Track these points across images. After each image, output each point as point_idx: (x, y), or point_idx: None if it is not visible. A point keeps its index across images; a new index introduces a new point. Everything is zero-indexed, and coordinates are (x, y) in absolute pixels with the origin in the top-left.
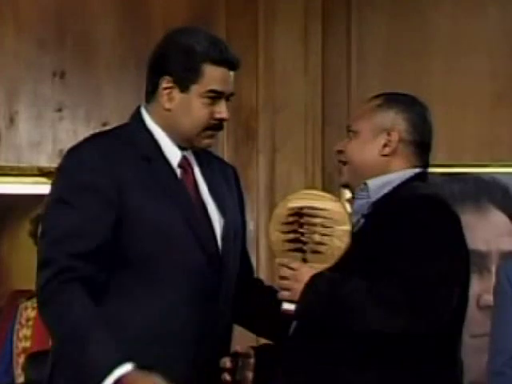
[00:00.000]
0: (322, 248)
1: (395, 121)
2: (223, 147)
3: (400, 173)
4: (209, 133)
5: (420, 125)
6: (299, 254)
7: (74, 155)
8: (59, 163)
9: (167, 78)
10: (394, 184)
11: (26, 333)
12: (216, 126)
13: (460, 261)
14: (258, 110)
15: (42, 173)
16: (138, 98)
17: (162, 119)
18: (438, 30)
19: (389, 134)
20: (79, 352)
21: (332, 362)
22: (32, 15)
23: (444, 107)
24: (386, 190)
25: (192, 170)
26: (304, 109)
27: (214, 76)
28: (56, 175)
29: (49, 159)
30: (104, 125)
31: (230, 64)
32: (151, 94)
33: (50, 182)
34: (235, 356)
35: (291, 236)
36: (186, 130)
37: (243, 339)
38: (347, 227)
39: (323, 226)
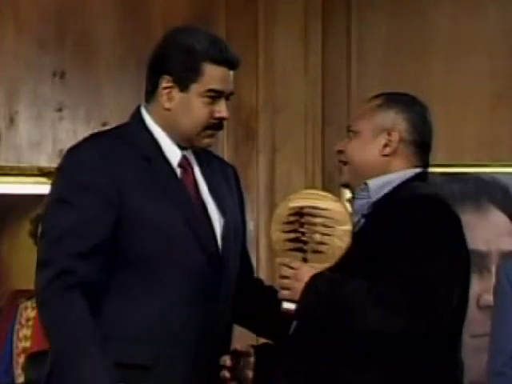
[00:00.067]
0: (322, 248)
1: (395, 121)
2: (223, 147)
3: (400, 173)
4: (209, 132)
5: (420, 125)
6: (300, 254)
7: (73, 155)
8: (59, 163)
9: (167, 77)
10: (395, 184)
11: (26, 333)
12: (216, 125)
13: (460, 261)
14: (258, 110)
15: (42, 173)
16: (138, 98)
17: (162, 119)
18: (437, 30)
19: (389, 134)
20: (71, 366)
21: (332, 362)
22: (32, 15)
23: (444, 107)
24: (386, 190)
25: (192, 169)
26: (304, 109)
27: (213, 75)
28: (56, 175)
29: (49, 159)
30: (104, 125)
31: (230, 63)
32: (151, 93)
33: (50, 182)
34: (235, 354)
35: (292, 235)
36: (186, 130)
37: (243, 339)
38: (348, 227)
39: (324, 226)
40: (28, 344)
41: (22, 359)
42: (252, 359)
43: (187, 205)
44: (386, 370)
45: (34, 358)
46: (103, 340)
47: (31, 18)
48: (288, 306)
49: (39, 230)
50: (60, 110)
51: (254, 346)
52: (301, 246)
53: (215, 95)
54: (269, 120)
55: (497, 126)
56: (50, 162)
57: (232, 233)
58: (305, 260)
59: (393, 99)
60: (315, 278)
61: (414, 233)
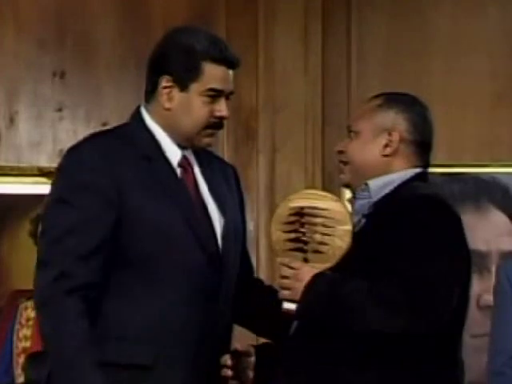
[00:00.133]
0: (323, 248)
1: (396, 121)
2: (223, 147)
3: (401, 173)
4: (209, 131)
5: (420, 124)
6: (300, 254)
7: (73, 155)
8: (59, 163)
9: (167, 77)
10: (395, 184)
11: (26, 333)
12: (216, 124)
13: (460, 261)
14: (258, 110)
15: (42, 173)
16: (138, 98)
17: (162, 119)
18: (437, 30)
19: (390, 134)
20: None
21: (332, 362)
22: (32, 15)
23: (444, 107)
24: (386, 190)
25: (192, 169)
26: (304, 109)
27: (213, 74)
28: (56, 175)
29: (49, 159)
30: (104, 125)
31: (230, 63)
32: (151, 93)
33: (50, 182)
34: (235, 354)
35: (292, 236)
36: (186, 129)
37: (243, 339)
38: (348, 227)
39: (324, 226)
40: (28, 344)
41: (22, 359)
42: (252, 359)
43: (187, 204)
44: (385, 370)
45: (34, 358)
46: (103, 340)
47: (31, 18)
48: (288, 306)
49: (39, 229)
50: (60, 110)
51: (254, 346)
52: (301, 246)
53: (215, 94)
54: (269, 120)
55: (497, 126)
56: (50, 162)
57: (232, 233)
58: (305, 260)
59: (393, 99)
60: (316, 278)
61: (414, 233)
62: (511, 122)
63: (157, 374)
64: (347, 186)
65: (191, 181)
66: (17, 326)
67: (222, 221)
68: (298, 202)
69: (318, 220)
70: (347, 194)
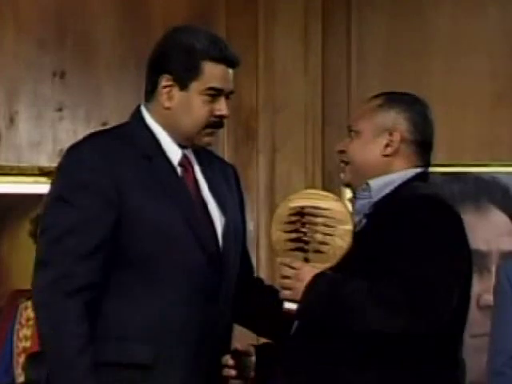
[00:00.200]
0: (324, 248)
1: (397, 121)
2: (223, 147)
3: (401, 173)
4: (209, 131)
5: (421, 124)
6: (301, 254)
7: (73, 154)
8: (59, 162)
9: (167, 76)
10: (396, 184)
11: (27, 333)
12: (216, 123)
13: (461, 261)
14: (258, 110)
15: (42, 172)
16: (138, 98)
17: (162, 118)
18: (437, 30)
19: (390, 134)
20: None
21: (332, 362)
22: (32, 15)
23: (444, 107)
24: (387, 190)
25: (192, 168)
26: (304, 109)
27: (213, 73)
28: (56, 174)
29: (49, 159)
30: (104, 125)
31: (230, 62)
32: (151, 92)
33: (50, 181)
34: (236, 354)
35: (293, 235)
36: (186, 128)
37: (243, 338)
38: (349, 227)
39: (325, 226)
40: (28, 344)
41: (22, 359)
42: (253, 359)
43: (188, 204)
44: (385, 370)
45: (34, 358)
46: (103, 340)
47: (31, 18)
48: (289, 306)
49: (39, 229)
50: (60, 109)
51: (254, 346)
52: (302, 245)
53: (215, 93)
54: (269, 120)
55: (497, 125)
56: (50, 161)
57: (232, 232)
58: (306, 260)
59: (393, 99)
60: (317, 278)
61: (414, 233)
62: (511, 122)
63: (157, 374)
64: (348, 185)
65: (191, 180)
66: (17, 326)
67: (223, 220)
68: (298, 201)
69: (319, 220)
70: (347, 193)
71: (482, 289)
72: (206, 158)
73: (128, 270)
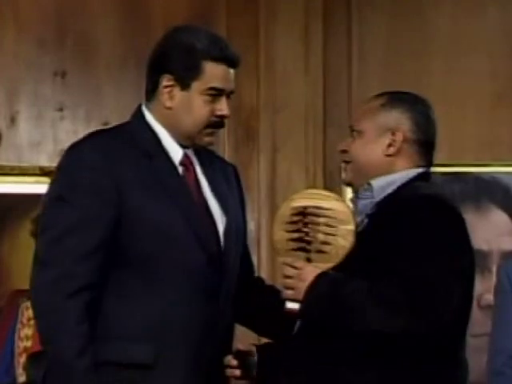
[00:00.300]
0: (326, 247)
1: (399, 120)
2: (224, 147)
3: (403, 173)
4: (210, 130)
5: (424, 124)
6: (303, 254)
7: (73, 153)
8: (59, 161)
9: (168, 76)
10: (398, 184)
11: (28, 332)
12: (217, 123)
13: (462, 261)
14: (259, 110)
15: (43, 172)
16: (139, 98)
17: (163, 117)
18: (437, 30)
19: (393, 134)
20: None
21: (332, 362)
22: (32, 15)
23: (444, 107)
24: (389, 190)
25: (194, 168)
26: (304, 108)
27: (214, 73)
28: (56, 173)
29: (49, 159)
30: (104, 125)
31: (231, 61)
32: (151, 92)
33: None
34: (238, 354)
35: (295, 235)
36: (187, 128)
37: (245, 338)
38: (351, 226)
39: (327, 226)
40: (29, 344)
41: (23, 359)
42: (255, 359)
43: (188, 203)
44: (385, 370)
45: (35, 358)
46: (104, 340)
47: (31, 18)
48: (291, 305)
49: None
50: (60, 109)
51: (255, 346)
52: (304, 245)
53: (216, 93)
54: (269, 120)
55: (497, 125)
56: (51, 161)
57: (234, 232)
58: (308, 260)
59: (396, 98)
60: (319, 278)
61: (414, 233)
62: (511, 122)
63: (157, 374)
64: (349, 184)
65: (193, 179)
66: (18, 326)
67: (224, 220)
68: (300, 201)
69: (321, 220)
70: (348, 193)
71: (483, 288)
72: (207, 158)
73: (128, 270)
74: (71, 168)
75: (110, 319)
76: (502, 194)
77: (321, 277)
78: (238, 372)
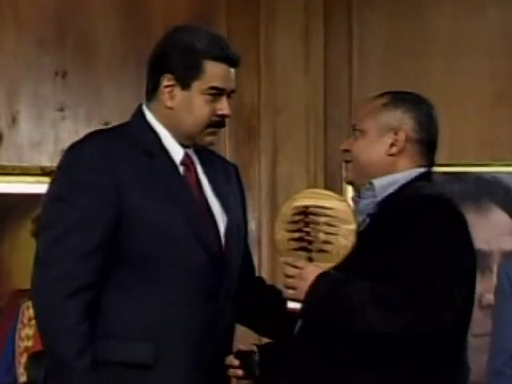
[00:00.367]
0: (327, 247)
1: (402, 120)
2: (225, 147)
3: (405, 172)
4: (211, 130)
5: (426, 123)
6: (304, 253)
7: (74, 153)
8: (60, 160)
9: (168, 75)
10: (400, 184)
11: (28, 332)
12: (218, 122)
13: (463, 261)
14: (259, 110)
15: (44, 172)
16: (139, 98)
17: (164, 117)
18: (437, 30)
19: (396, 134)
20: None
21: (332, 362)
22: (32, 15)
23: (444, 107)
24: (391, 190)
25: (195, 167)
26: (305, 108)
27: (214, 73)
28: (56, 173)
29: (50, 159)
30: (105, 125)
31: (231, 61)
32: (152, 92)
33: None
34: (239, 354)
35: (297, 235)
36: (188, 128)
37: (246, 338)
38: (353, 226)
39: (329, 225)
40: (30, 343)
41: (24, 358)
42: (256, 358)
43: (189, 203)
44: (386, 370)
45: (36, 358)
46: (104, 339)
47: (31, 18)
48: (293, 305)
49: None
50: (61, 109)
51: (256, 346)
52: (305, 245)
53: (217, 93)
54: (270, 120)
55: (497, 125)
56: (52, 161)
57: (235, 232)
58: (310, 259)
59: (399, 98)
60: (320, 278)
61: (415, 232)
62: (511, 122)
63: (157, 374)
64: (350, 183)
65: (194, 179)
66: (18, 326)
67: (225, 219)
68: (302, 201)
69: (323, 219)
70: (349, 193)
71: (484, 288)
72: (208, 158)
73: (128, 270)
74: (71, 168)
75: (110, 319)
76: (502, 193)
77: (322, 276)
78: (240, 372)
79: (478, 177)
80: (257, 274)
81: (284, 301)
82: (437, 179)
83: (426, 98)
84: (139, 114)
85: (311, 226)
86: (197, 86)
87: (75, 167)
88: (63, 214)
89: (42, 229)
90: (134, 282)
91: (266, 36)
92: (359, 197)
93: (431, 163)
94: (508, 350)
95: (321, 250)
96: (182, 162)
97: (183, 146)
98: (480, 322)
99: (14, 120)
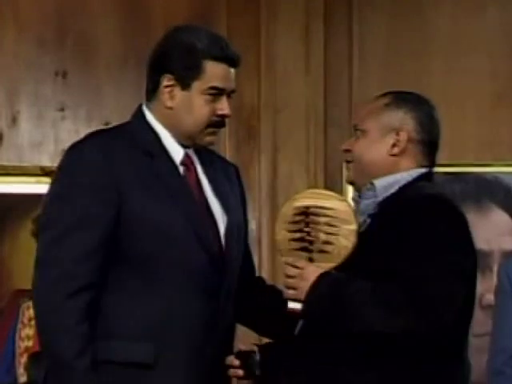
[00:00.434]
0: (328, 247)
1: (404, 120)
2: (225, 147)
3: (406, 173)
4: (211, 130)
5: (428, 124)
6: (305, 254)
7: (74, 153)
8: (60, 160)
9: (168, 76)
10: (401, 184)
11: (29, 332)
12: (218, 122)
13: (464, 261)
14: (260, 110)
15: (44, 172)
16: (139, 98)
17: (164, 117)
18: (437, 30)
19: (397, 134)
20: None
21: (332, 362)
22: (32, 15)
23: (444, 107)
24: (392, 190)
25: (195, 167)
26: (305, 108)
27: (214, 72)
28: (56, 173)
29: (50, 159)
30: (105, 125)
31: (231, 60)
32: (152, 92)
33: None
34: (240, 354)
35: (297, 235)
36: (188, 128)
37: (246, 338)
38: (353, 226)
39: (329, 225)
40: (31, 343)
41: (24, 359)
42: (257, 358)
43: (189, 203)
44: (386, 370)
45: (36, 358)
46: (104, 339)
47: (31, 18)
48: (294, 305)
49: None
50: (62, 109)
51: (257, 346)
52: (306, 245)
53: (217, 93)
54: (270, 120)
55: (497, 125)
56: (52, 161)
57: (235, 231)
58: (310, 260)
59: (400, 98)
60: (321, 278)
61: (415, 233)
62: (511, 122)
63: (158, 373)
64: (351, 183)
65: (194, 179)
66: (19, 326)
67: (225, 219)
68: (303, 201)
69: (323, 219)
70: (350, 193)
71: (485, 288)
72: (208, 158)
73: (128, 270)
74: (71, 168)
75: (110, 319)
76: (502, 193)
77: (323, 277)
78: (240, 372)
79: (478, 177)
80: (257, 274)
81: (285, 301)
82: (438, 179)
83: (427, 99)
84: (139, 114)
85: (312, 226)
86: (197, 85)
87: (76, 167)
88: (63, 213)
89: (42, 229)
90: (134, 282)
91: (266, 36)
92: (360, 197)
93: (432, 163)
94: (508, 349)
95: (321, 251)
96: (182, 162)
97: (183, 146)
98: (480, 322)
99: (14, 120)
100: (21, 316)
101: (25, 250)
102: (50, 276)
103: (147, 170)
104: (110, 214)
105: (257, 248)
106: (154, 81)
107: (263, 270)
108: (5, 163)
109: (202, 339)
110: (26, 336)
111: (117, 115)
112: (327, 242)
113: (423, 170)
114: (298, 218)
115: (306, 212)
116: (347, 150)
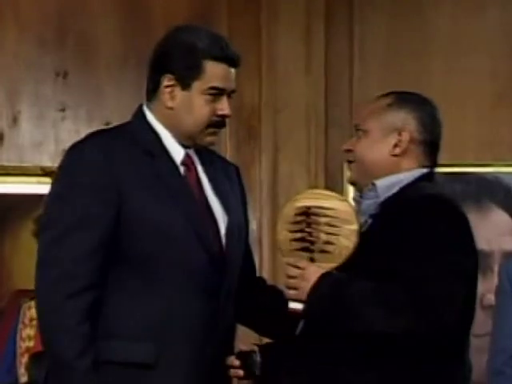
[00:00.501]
0: (329, 247)
1: (406, 120)
2: (225, 147)
3: (408, 173)
4: (211, 130)
5: (430, 124)
6: (306, 254)
7: (74, 153)
8: (61, 160)
9: (169, 76)
10: (402, 184)
11: (30, 332)
12: (218, 122)
13: (465, 261)
14: (260, 110)
15: (44, 173)
16: (139, 98)
17: (165, 117)
18: (437, 30)
19: (399, 134)
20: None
21: (332, 362)
22: (32, 15)
23: (444, 107)
24: (393, 190)
25: (195, 168)
26: (306, 108)
27: (215, 73)
28: (57, 173)
29: (51, 159)
30: (106, 125)
31: (231, 60)
32: (152, 92)
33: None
34: (240, 354)
35: (299, 235)
36: (188, 128)
37: (247, 338)
38: (355, 226)
39: (331, 226)
40: (32, 344)
41: (25, 359)
42: (258, 358)
43: (190, 203)
44: (387, 370)
45: (37, 358)
46: (104, 339)
47: (32, 19)
48: (295, 305)
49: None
50: (62, 110)
51: (257, 346)
52: (307, 245)
53: (217, 93)
54: (271, 120)
55: (497, 125)
56: (53, 162)
57: (236, 231)
58: (312, 260)
59: (403, 98)
60: (322, 279)
61: (416, 233)
62: (511, 122)
63: (158, 373)
64: (353, 183)
65: (194, 179)
66: (19, 326)
67: (226, 220)
68: (304, 201)
69: (324, 219)
70: (350, 193)
71: (485, 288)
72: (208, 158)
73: (128, 270)
74: (72, 168)
75: (111, 319)
76: (503, 193)
77: (324, 277)
78: (241, 372)
79: (478, 177)
80: (258, 275)
81: (286, 301)
82: (439, 179)
83: (430, 99)
84: (140, 114)
85: (313, 226)
86: (197, 86)
87: (76, 167)
88: (63, 213)
89: (42, 229)
90: (134, 282)
91: (266, 36)
92: (361, 197)
93: (434, 164)
94: (508, 349)
95: (323, 251)
96: (183, 162)
97: (184, 146)
98: (481, 322)
99: (14, 120)
100: (22, 316)
101: (25, 250)
102: (50, 276)
103: (148, 170)
104: (111, 213)
105: (258, 248)
106: (154, 81)
107: (264, 270)
108: (5, 163)
109: (202, 339)
110: (27, 336)
111: (117, 115)
112: (328, 242)
113: (425, 171)
114: (299, 219)
115: (306, 212)
116: (348, 150)
